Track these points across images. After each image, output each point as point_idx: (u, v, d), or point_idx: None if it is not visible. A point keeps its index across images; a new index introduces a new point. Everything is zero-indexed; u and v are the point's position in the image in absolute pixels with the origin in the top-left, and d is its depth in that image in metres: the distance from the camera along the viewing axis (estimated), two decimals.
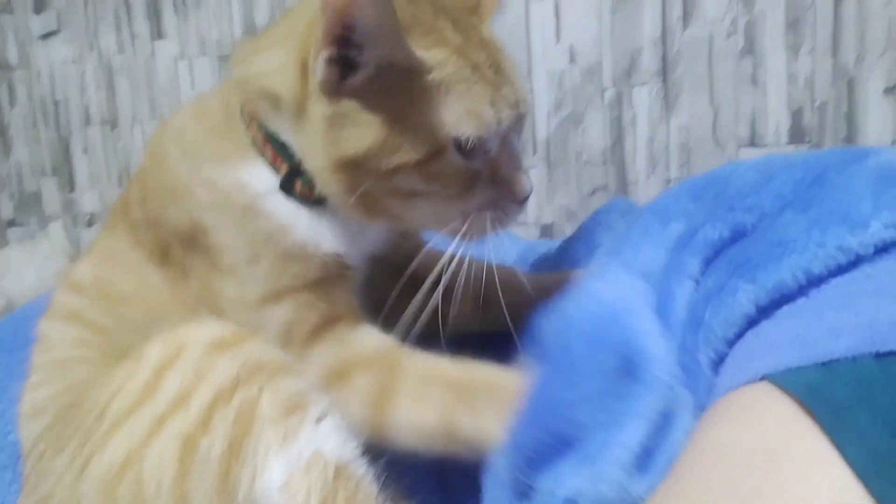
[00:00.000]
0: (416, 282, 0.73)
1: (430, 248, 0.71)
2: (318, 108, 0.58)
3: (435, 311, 0.64)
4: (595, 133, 1.72)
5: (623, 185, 1.71)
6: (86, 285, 0.73)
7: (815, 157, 0.52)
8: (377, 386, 0.63)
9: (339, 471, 0.55)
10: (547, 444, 0.51)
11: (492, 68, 0.59)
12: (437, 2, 0.61)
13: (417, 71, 0.56)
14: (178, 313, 0.66)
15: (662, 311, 0.53)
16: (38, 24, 2.55)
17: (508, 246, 1.14)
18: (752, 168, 0.55)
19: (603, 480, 0.47)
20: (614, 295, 0.55)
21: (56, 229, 2.60)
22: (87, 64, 2.46)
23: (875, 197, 0.43)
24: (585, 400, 0.51)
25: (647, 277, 0.56)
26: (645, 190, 1.69)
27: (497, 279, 0.68)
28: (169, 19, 2.28)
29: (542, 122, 1.76)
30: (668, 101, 1.63)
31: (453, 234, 0.62)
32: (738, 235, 0.50)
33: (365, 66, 0.56)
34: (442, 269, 0.62)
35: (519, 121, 0.62)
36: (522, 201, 0.63)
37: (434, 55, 0.57)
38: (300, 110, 0.59)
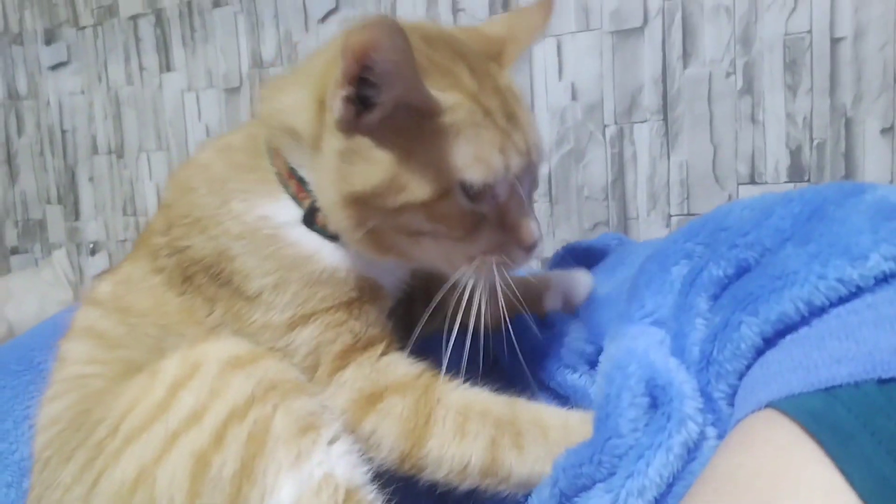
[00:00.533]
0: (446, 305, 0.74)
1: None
2: (333, 143, 0.59)
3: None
4: (596, 169, 1.73)
5: (624, 220, 1.72)
6: (103, 300, 0.74)
7: (811, 192, 0.53)
8: (414, 415, 0.62)
9: (350, 494, 0.55)
10: (586, 475, 0.53)
11: (504, 115, 0.60)
12: (455, 46, 0.62)
13: (431, 112, 0.57)
14: (193, 333, 0.66)
15: (678, 352, 0.54)
16: (48, 55, 2.60)
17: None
18: (748, 206, 0.56)
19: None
20: (637, 344, 0.56)
21: (59, 257, 2.61)
22: (96, 95, 2.50)
23: (874, 230, 0.44)
24: (618, 433, 0.53)
25: (660, 324, 0.58)
26: (646, 226, 1.70)
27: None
28: (177, 52, 2.31)
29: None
30: (668, 138, 1.65)
31: (460, 275, 0.62)
32: (741, 272, 0.51)
33: (381, 105, 0.57)
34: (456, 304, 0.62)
35: (530, 168, 0.62)
36: (529, 248, 0.62)
37: (448, 98, 0.57)
38: (316, 145, 0.61)
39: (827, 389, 0.38)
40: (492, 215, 0.61)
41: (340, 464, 0.56)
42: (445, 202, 0.58)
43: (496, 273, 0.62)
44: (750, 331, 0.45)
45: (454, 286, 0.62)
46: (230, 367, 0.58)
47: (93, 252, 2.59)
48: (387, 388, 0.63)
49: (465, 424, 0.61)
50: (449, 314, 0.62)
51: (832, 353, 0.40)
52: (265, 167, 0.66)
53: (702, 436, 0.49)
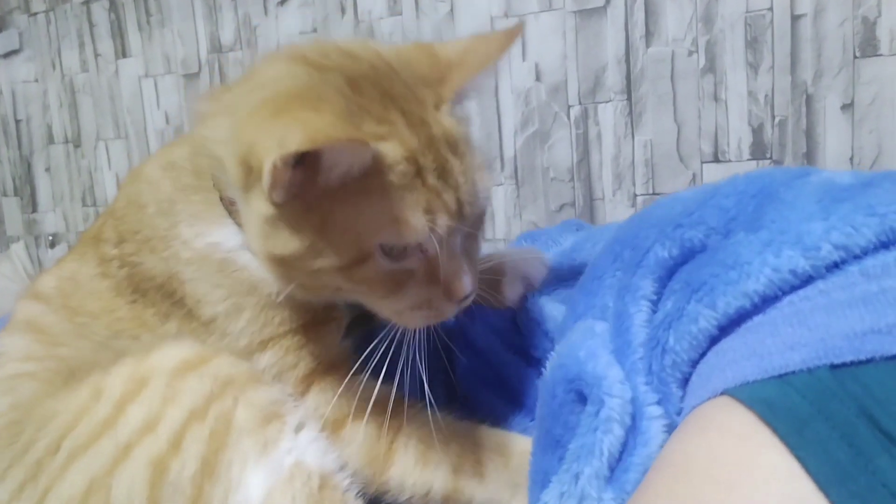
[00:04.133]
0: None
1: None
2: (258, 205, 0.54)
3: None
4: (561, 150, 1.73)
5: (590, 201, 1.72)
6: (47, 294, 0.72)
7: (756, 172, 0.53)
8: (376, 443, 0.62)
9: (325, 480, 0.55)
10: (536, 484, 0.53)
11: (436, 171, 0.55)
12: (385, 88, 0.56)
13: (367, 172, 0.53)
14: (147, 338, 0.66)
15: (620, 333, 0.53)
16: None
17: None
18: (697, 190, 0.56)
19: (569, 498, 0.48)
20: (575, 343, 0.57)
21: (18, 250, 2.55)
22: (50, 83, 2.43)
23: (824, 216, 0.44)
24: (556, 440, 0.53)
25: (605, 311, 0.58)
26: (611, 206, 1.70)
27: None
28: (133, 37, 2.26)
29: (508, 140, 1.78)
30: (632, 118, 1.65)
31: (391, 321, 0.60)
32: (688, 252, 0.51)
33: (330, 176, 0.53)
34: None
35: (462, 223, 0.57)
36: (460, 301, 0.60)
37: (387, 150, 0.53)
38: (243, 195, 0.56)
39: (781, 376, 0.38)
40: (420, 270, 0.58)
41: (310, 450, 0.56)
42: (364, 266, 0.55)
43: (425, 324, 0.60)
44: (708, 324, 0.45)
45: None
46: (181, 373, 0.57)
47: (52, 244, 2.53)
48: (349, 415, 0.63)
49: (426, 453, 0.62)
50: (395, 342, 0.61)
51: (785, 340, 0.40)
52: (209, 189, 0.64)
53: (641, 415, 0.49)
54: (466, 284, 0.59)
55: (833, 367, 0.37)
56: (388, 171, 0.52)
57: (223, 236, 0.63)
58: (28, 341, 0.69)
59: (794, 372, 0.38)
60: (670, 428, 0.47)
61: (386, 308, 0.60)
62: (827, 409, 0.35)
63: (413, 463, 0.62)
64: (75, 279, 0.72)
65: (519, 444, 0.63)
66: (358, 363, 0.60)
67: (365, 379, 0.62)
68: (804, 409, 0.36)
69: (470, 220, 0.58)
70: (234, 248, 0.63)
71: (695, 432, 0.41)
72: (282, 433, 0.55)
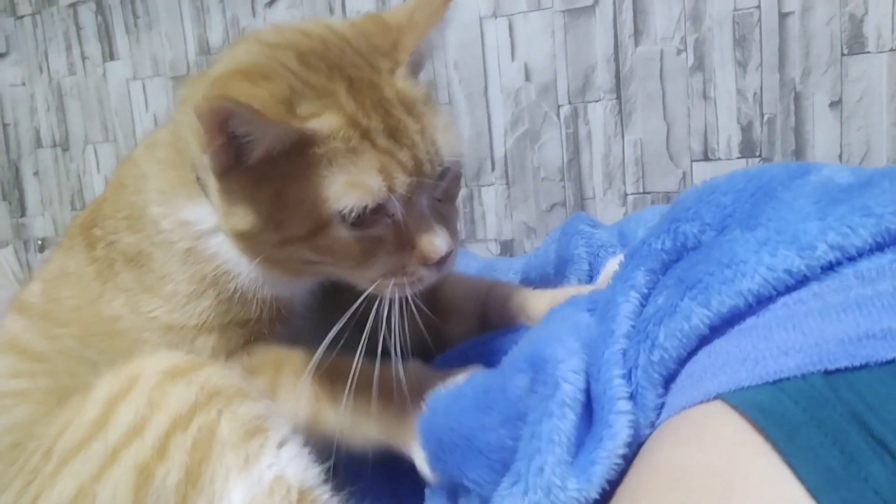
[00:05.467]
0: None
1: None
2: (213, 182, 0.58)
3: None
4: (552, 149, 1.73)
5: (581, 200, 1.72)
6: (31, 305, 0.74)
7: (756, 169, 0.53)
8: (268, 386, 0.65)
9: (303, 495, 0.55)
10: (480, 467, 0.53)
11: (387, 132, 0.56)
12: (333, 59, 0.58)
13: (303, 145, 0.54)
14: (105, 338, 0.67)
15: (605, 321, 0.53)
16: None
17: (465, 265, 1.14)
18: (700, 185, 0.56)
19: (534, 490, 0.47)
20: (549, 327, 0.57)
21: (6, 255, 2.53)
22: (37, 86, 2.42)
23: (821, 216, 0.44)
24: (506, 422, 0.53)
25: (596, 303, 0.58)
26: (602, 205, 1.70)
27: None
28: (121, 40, 2.25)
29: (499, 140, 1.78)
30: (622, 117, 1.65)
31: (370, 291, 0.60)
32: (681, 246, 0.51)
33: (254, 149, 0.55)
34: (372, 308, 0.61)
35: (426, 180, 0.58)
36: (437, 264, 0.59)
37: (322, 124, 0.54)
38: (206, 172, 0.60)
39: (775, 382, 0.38)
40: (389, 236, 0.58)
41: (291, 465, 0.57)
42: (325, 235, 0.56)
43: (404, 292, 0.59)
44: (700, 322, 0.45)
45: (367, 303, 0.61)
46: (169, 378, 0.58)
47: (41, 249, 2.51)
48: (252, 370, 0.66)
49: (296, 383, 0.64)
50: (367, 331, 0.61)
51: (779, 345, 0.40)
52: (187, 166, 0.66)
53: (611, 408, 0.48)
54: (440, 245, 0.58)
55: (827, 372, 0.37)
56: (327, 141, 0.54)
57: (196, 215, 0.65)
58: (11, 361, 0.70)
59: (788, 378, 0.38)
60: (637, 424, 0.47)
61: (360, 278, 0.60)
62: (819, 415, 0.35)
63: (287, 397, 0.64)
64: (62, 273, 0.74)
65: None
66: (331, 334, 0.60)
67: (276, 345, 0.66)
68: (797, 416, 0.36)
69: (434, 179, 0.59)
70: (205, 232, 0.65)
71: (688, 438, 0.41)
72: (264, 448, 0.56)
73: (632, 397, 0.48)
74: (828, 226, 0.43)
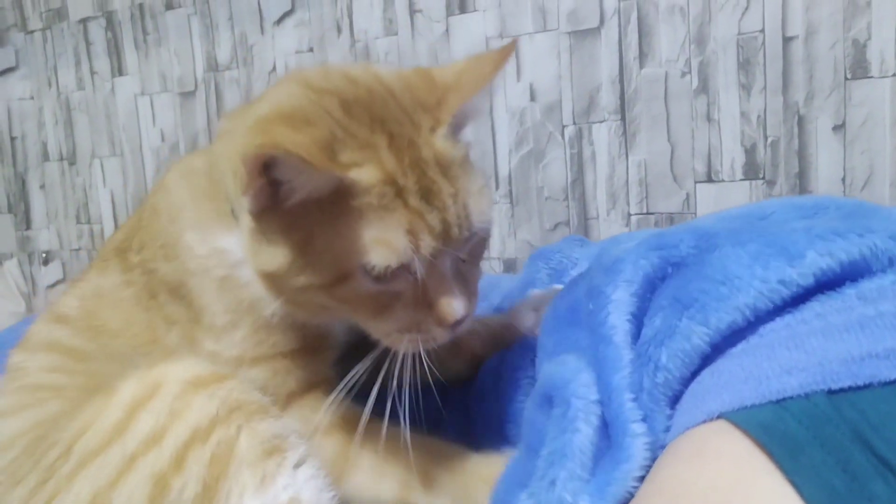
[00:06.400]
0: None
1: None
2: (246, 220, 0.58)
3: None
4: (556, 169, 1.74)
5: (584, 220, 1.73)
6: (71, 317, 0.74)
7: (746, 206, 0.55)
8: (337, 455, 0.64)
9: None
10: (511, 494, 0.53)
11: (420, 193, 0.55)
12: (377, 111, 0.57)
13: (341, 194, 0.54)
14: (159, 354, 0.67)
15: (601, 339, 0.53)
16: None
17: None
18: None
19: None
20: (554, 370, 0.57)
21: (11, 267, 2.54)
22: (46, 100, 2.44)
23: (807, 230, 0.45)
24: (531, 450, 0.53)
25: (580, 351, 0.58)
26: (606, 225, 1.71)
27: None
28: (130, 56, 2.27)
29: (503, 159, 1.78)
30: (626, 137, 1.66)
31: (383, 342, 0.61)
32: (665, 263, 0.52)
33: (293, 194, 0.55)
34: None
35: (451, 245, 0.57)
36: (452, 326, 0.59)
37: (361, 176, 0.54)
38: (239, 206, 0.60)
39: (778, 401, 0.38)
40: (408, 293, 0.58)
41: (307, 488, 0.56)
42: (347, 285, 0.57)
43: (416, 348, 0.59)
44: (700, 341, 0.45)
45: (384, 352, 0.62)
46: (192, 388, 0.57)
47: (45, 262, 2.52)
48: (317, 429, 0.65)
49: (382, 466, 0.63)
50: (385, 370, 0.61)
51: (782, 364, 0.40)
52: (223, 199, 0.66)
53: (625, 432, 0.48)
54: (457, 308, 0.58)
55: (830, 392, 0.37)
56: (364, 194, 0.54)
57: (230, 244, 0.65)
58: (53, 358, 0.70)
59: (791, 397, 0.38)
60: (653, 446, 0.47)
61: (375, 329, 0.61)
62: (822, 434, 0.35)
63: (366, 476, 0.63)
64: (99, 294, 0.74)
65: (472, 460, 0.64)
66: (346, 382, 0.61)
67: (341, 397, 0.63)
68: (800, 435, 0.36)
69: (460, 243, 0.58)
70: (240, 262, 0.65)
71: (690, 457, 0.41)
72: (281, 468, 0.56)
73: (644, 420, 0.48)
74: (816, 234, 0.44)
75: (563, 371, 0.53)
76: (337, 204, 0.54)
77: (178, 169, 0.75)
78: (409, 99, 0.59)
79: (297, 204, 0.55)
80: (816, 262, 0.43)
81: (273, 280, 0.59)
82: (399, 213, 0.55)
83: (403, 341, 0.59)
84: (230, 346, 0.65)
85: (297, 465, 0.57)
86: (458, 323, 0.59)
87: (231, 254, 0.65)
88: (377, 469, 0.63)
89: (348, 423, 0.65)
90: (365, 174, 0.54)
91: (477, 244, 0.62)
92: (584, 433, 0.49)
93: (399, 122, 0.57)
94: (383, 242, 0.54)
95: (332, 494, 0.58)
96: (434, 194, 0.56)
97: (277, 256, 0.56)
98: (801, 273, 0.43)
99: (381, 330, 0.60)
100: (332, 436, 0.65)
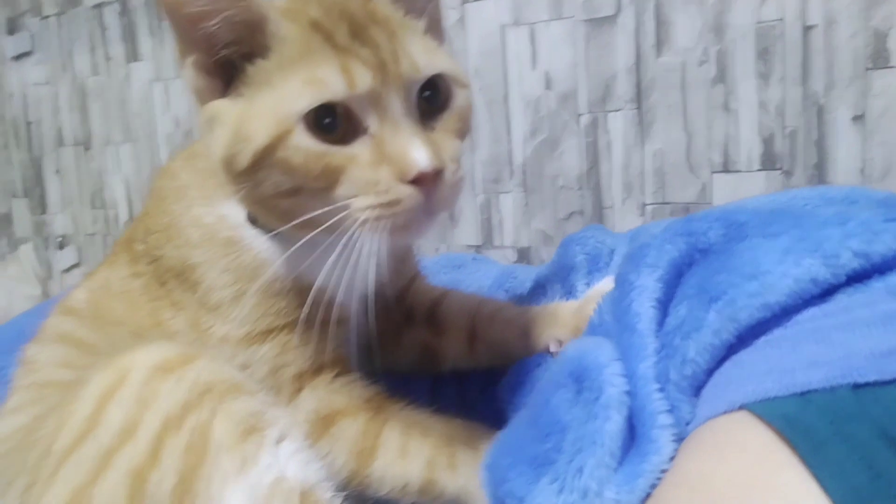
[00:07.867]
0: (409, 319, 0.75)
1: (421, 283, 0.72)
2: (200, 117, 0.59)
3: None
4: (571, 158, 1.73)
5: (599, 209, 1.72)
6: (79, 308, 0.74)
7: (775, 194, 0.54)
8: (363, 437, 0.63)
9: (305, 496, 0.53)
10: (524, 475, 0.52)
11: (351, 34, 0.54)
12: None
13: (265, 46, 0.55)
14: (156, 337, 0.66)
15: (625, 327, 0.53)
16: (10, 45, 2.53)
17: (485, 271, 1.14)
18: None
19: (569, 491, 0.47)
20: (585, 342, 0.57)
21: (26, 251, 2.56)
22: (61, 86, 2.44)
23: (841, 222, 0.44)
24: (554, 428, 0.53)
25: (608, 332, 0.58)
26: (620, 215, 1.70)
27: (486, 314, 0.71)
28: (144, 42, 2.27)
29: (518, 147, 1.78)
30: (642, 126, 1.65)
31: (347, 238, 0.56)
32: (692, 249, 0.51)
33: (218, 35, 0.55)
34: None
35: (397, 82, 0.54)
36: (419, 184, 0.54)
37: (284, 29, 0.55)
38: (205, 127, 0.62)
39: (802, 394, 0.38)
40: (364, 155, 0.55)
41: (291, 464, 0.54)
42: (291, 144, 0.54)
43: (383, 229, 0.55)
44: (730, 335, 0.45)
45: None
46: (160, 373, 0.55)
47: (61, 246, 2.54)
48: (339, 411, 0.64)
49: (406, 447, 0.63)
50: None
51: (807, 357, 0.40)
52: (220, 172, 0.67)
53: (653, 423, 0.48)
54: (417, 157, 0.53)
55: (855, 386, 0.37)
56: (289, 42, 0.55)
57: (229, 209, 0.66)
58: (63, 351, 0.70)
59: (815, 390, 0.37)
60: (680, 437, 0.47)
61: (333, 202, 0.56)
62: (846, 429, 0.35)
63: (393, 457, 0.63)
64: (107, 286, 0.74)
65: (489, 438, 0.64)
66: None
67: (356, 376, 0.64)
68: (823, 429, 0.36)
69: (406, 85, 0.56)
70: (240, 224, 0.66)
71: (712, 449, 0.41)
72: (261, 448, 0.53)
73: (670, 412, 0.48)
74: (849, 231, 0.43)
75: (599, 355, 0.53)
76: (266, 59, 0.56)
77: (181, 155, 0.76)
78: None
79: (227, 62, 0.56)
80: (850, 262, 0.42)
81: (229, 171, 0.57)
82: (328, 52, 0.54)
83: (367, 219, 0.54)
84: (238, 324, 0.64)
85: (279, 441, 0.55)
86: (426, 179, 0.54)
87: (232, 217, 0.66)
88: (403, 449, 0.63)
89: (368, 404, 0.65)
90: (285, 27, 0.55)
91: (452, 115, 0.59)
92: (616, 422, 0.49)
93: None
94: (313, 81, 0.53)
95: (318, 466, 0.57)
96: (366, 36, 0.55)
97: (226, 129, 0.56)
98: (835, 273, 0.42)
99: (339, 196, 0.55)
100: (354, 416, 0.64)
